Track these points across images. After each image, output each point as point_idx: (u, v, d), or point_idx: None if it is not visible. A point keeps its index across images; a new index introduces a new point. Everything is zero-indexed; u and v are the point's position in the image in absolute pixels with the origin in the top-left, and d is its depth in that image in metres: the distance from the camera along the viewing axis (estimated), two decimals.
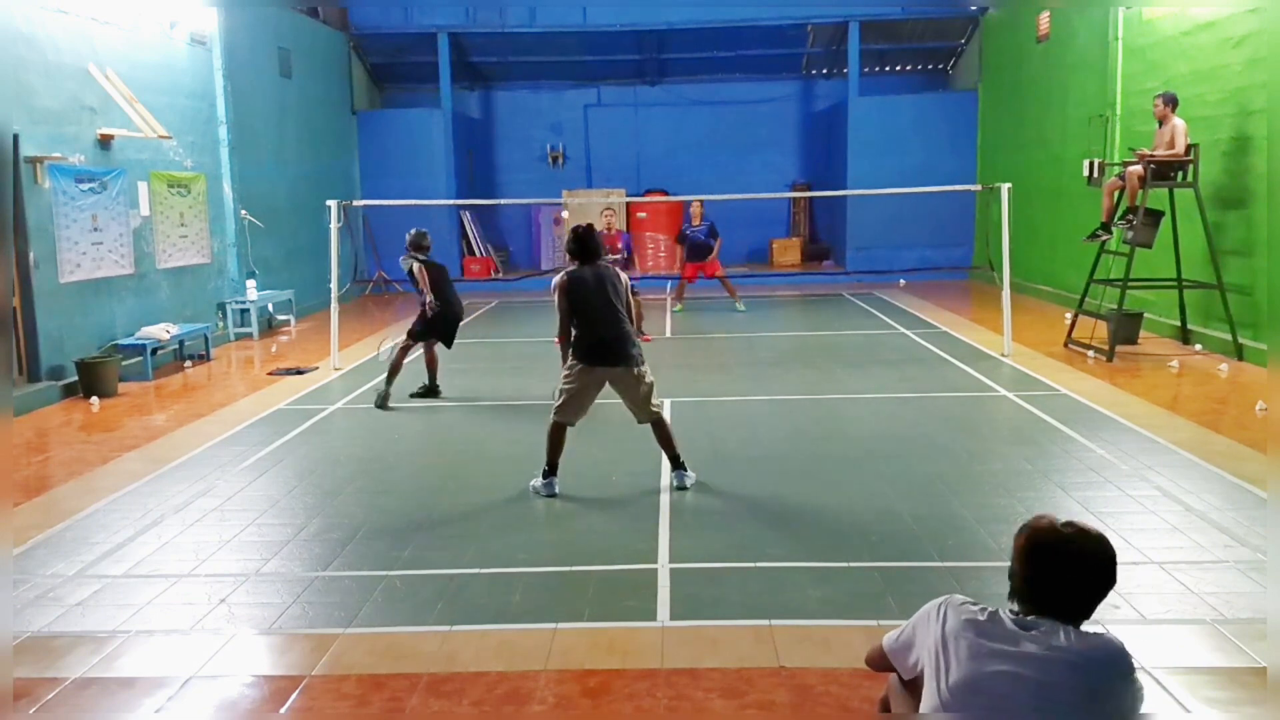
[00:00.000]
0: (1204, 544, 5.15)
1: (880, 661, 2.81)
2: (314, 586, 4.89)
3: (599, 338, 6.26)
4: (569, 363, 6.37)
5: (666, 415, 8.20)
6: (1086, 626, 2.50)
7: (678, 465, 6.42)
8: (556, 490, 6.28)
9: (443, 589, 4.82)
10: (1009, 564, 2.56)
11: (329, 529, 5.70)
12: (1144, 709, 2.66)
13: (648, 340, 12.16)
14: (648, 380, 6.38)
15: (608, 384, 6.37)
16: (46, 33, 9.71)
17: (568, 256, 6.49)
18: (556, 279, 6.41)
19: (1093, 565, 2.47)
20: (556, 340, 6.47)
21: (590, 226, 6.53)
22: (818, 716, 3.64)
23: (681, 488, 6.30)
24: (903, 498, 6.02)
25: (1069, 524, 2.51)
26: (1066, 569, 2.46)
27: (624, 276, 6.53)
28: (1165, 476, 6.27)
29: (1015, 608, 2.52)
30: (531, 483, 6.36)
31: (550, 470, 6.34)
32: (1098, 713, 2.35)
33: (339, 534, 5.60)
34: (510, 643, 4.23)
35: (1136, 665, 2.45)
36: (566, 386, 6.33)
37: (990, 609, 2.51)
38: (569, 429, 6.37)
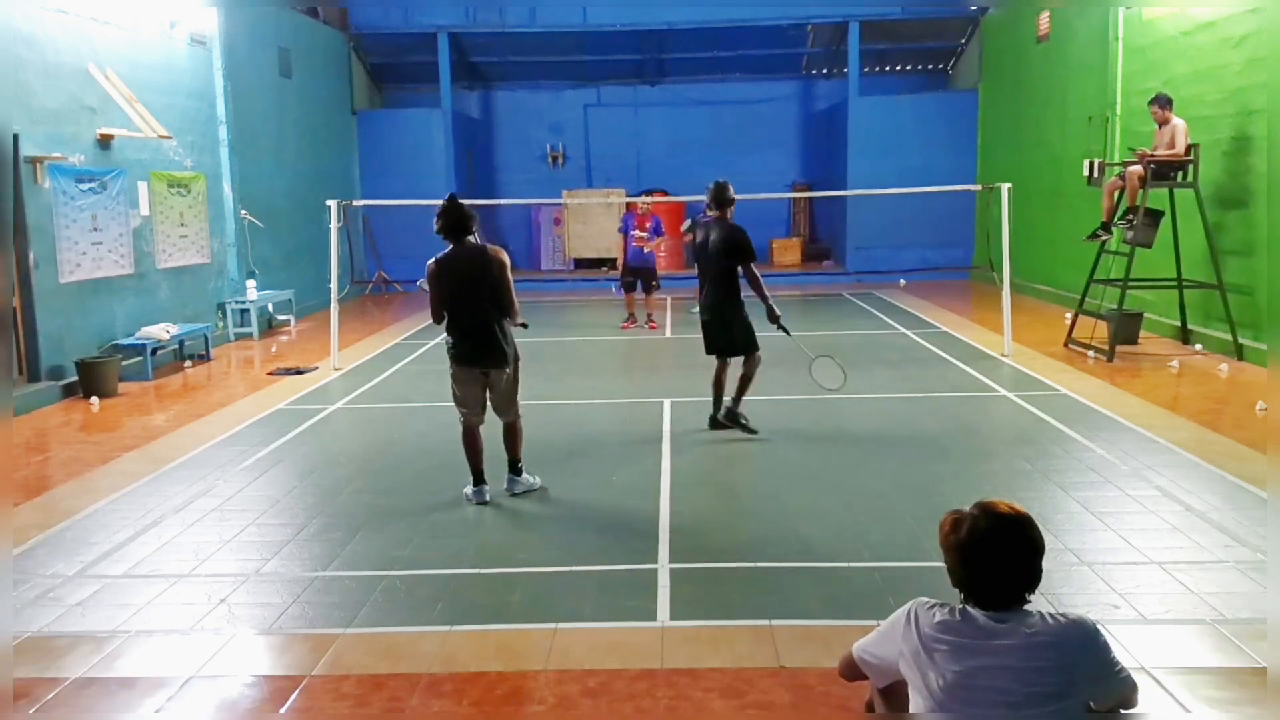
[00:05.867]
0: (1204, 544, 5.15)
1: (852, 670, 2.83)
2: (314, 586, 4.89)
3: (461, 332, 5.93)
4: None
5: (666, 414, 8.24)
6: (1068, 611, 2.60)
7: (515, 470, 6.22)
8: (487, 498, 6.06)
9: (443, 589, 4.82)
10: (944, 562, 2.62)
11: (329, 529, 5.70)
12: (1142, 703, 2.69)
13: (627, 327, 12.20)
14: (513, 379, 6.10)
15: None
16: (46, 33, 9.70)
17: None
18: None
19: (1023, 545, 2.51)
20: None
21: (453, 196, 6.02)
22: (818, 716, 3.64)
23: (512, 493, 6.16)
24: (903, 498, 6.02)
25: (985, 514, 2.53)
26: (1000, 559, 2.50)
27: (502, 259, 5.97)
28: (1165, 476, 6.27)
29: (971, 602, 2.55)
30: (464, 489, 6.18)
31: (476, 477, 6.10)
32: (1085, 684, 2.45)
33: (339, 534, 5.60)
34: (510, 643, 4.23)
35: (1107, 637, 2.54)
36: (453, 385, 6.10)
37: (958, 607, 2.55)
38: (473, 430, 6.10)
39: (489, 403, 6.15)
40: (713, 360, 7.63)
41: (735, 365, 7.52)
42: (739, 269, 7.27)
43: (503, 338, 5.97)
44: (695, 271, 7.77)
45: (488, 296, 5.88)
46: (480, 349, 5.95)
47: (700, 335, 7.63)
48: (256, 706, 3.79)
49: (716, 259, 7.28)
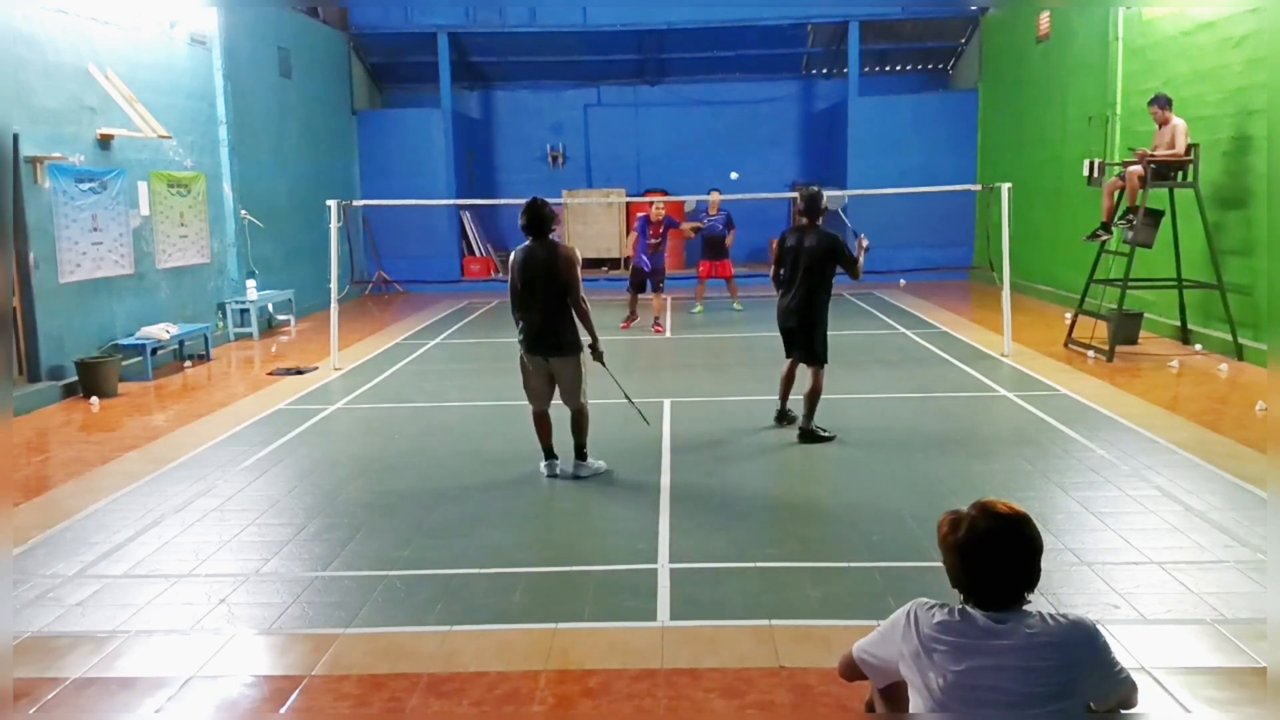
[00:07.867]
0: (1204, 544, 5.15)
1: (851, 671, 2.83)
2: (314, 586, 4.89)
3: (526, 321, 6.44)
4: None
5: (665, 414, 8.24)
6: (1068, 611, 2.62)
7: (580, 455, 6.66)
8: (557, 471, 6.61)
9: (443, 589, 4.82)
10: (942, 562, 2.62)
11: (329, 529, 5.70)
12: (1142, 704, 2.69)
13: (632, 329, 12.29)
14: (576, 369, 6.51)
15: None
16: (46, 33, 9.70)
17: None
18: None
19: (1021, 544, 2.51)
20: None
21: (536, 199, 6.44)
22: (818, 716, 3.64)
23: (578, 476, 6.57)
24: (903, 498, 6.02)
25: (984, 513, 2.53)
26: (998, 558, 2.50)
27: (571, 257, 6.35)
28: (1165, 476, 6.27)
29: (971, 602, 2.55)
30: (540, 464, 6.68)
31: (546, 453, 6.68)
32: (1085, 684, 2.45)
33: (339, 534, 5.61)
34: (510, 643, 4.23)
35: (1107, 637, 2.54)
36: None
37: (958, 607, 2.55)
38: (540, 414, 6.64)
39: (559, 393, 6.58)
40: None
41: (803, 374, 7.55)
42: (832, 272, 7.50)
43: (564, 329, 6.39)
44: (770, 273, 7.98)
45: (552, 290, 6.32)
46: (540, 337, 6.40)
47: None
48: (256, 706, 3.79)
49: (818, 262, 7.39)
